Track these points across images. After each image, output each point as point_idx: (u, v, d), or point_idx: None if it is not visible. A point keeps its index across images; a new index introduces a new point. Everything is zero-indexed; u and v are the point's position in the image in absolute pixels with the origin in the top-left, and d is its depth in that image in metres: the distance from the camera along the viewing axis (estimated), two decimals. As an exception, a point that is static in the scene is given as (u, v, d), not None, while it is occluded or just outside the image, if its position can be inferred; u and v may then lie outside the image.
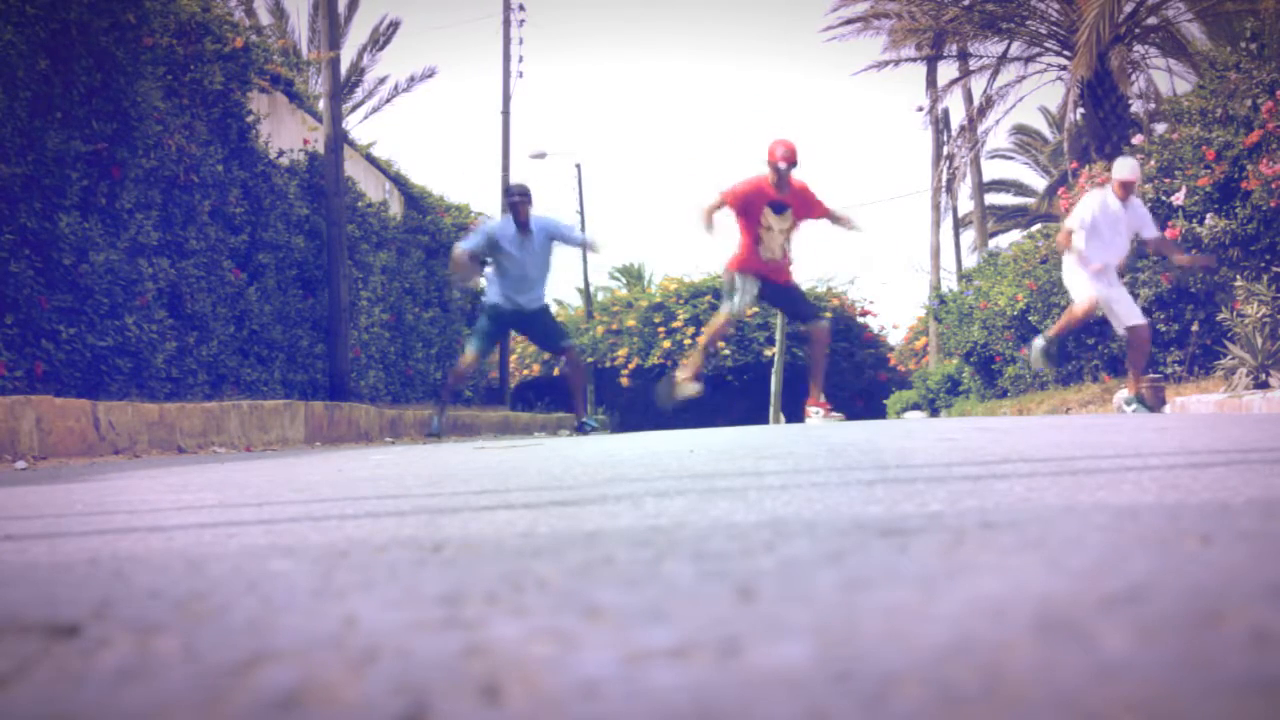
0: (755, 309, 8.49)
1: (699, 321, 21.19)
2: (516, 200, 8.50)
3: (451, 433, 11.75)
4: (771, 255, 7.93)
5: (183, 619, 0.89)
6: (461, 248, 8.75)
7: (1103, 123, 16.18)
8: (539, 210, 8.67)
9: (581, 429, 9.09)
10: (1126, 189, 8.36)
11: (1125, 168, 8.50)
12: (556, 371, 22.51)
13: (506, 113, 22.07)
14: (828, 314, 21.14)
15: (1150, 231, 8.53)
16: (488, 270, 8.88)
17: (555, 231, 8.75)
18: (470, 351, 8.88)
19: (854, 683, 0.61)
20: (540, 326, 8.97)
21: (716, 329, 8.26)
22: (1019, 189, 36.23)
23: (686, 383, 8.14)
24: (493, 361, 18.19)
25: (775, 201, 7.81)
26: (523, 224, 8.47)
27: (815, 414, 8.01)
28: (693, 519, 1.45)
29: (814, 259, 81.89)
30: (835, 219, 8.14)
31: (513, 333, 11.24)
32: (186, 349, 8.01)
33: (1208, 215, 10.33)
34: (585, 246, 8.66)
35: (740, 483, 2.03)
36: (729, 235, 8.13)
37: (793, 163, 7.73)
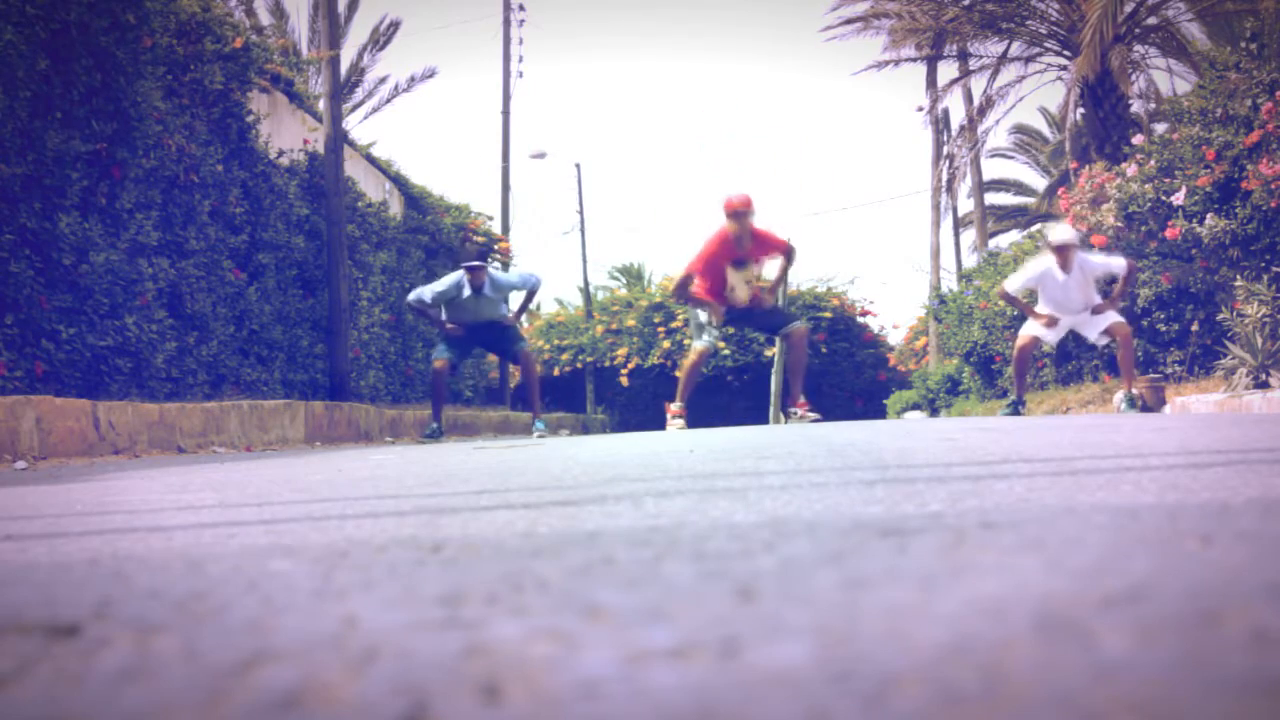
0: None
1: (699, 321, 21.15)
2: (474, 268, 9.20)
3: (452, 433, 11.75)
4: (738, 300, 8.28)
5: (183, 619, 0.89)
6: (410, 301, 9.41)
7: (1103, 123, 16.18)
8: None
9: (535, 427, 9.57)
10: (1063, 255, 8.60)
11: (1056, 233, 8.78)
12: (557, 372, 22.51)
13: (506, 113, 22.09)
14: (827, 314, 21.13)
15: (1117, 270, 8.73)
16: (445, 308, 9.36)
17: (507, 287, 9.46)
18: (439, 358, 9.23)
19: (854, 683, 0.61)
20: (495, 334, 9.44)
21: (691, 366, 8.68)
22: (1019, 189, 36.23)
23: (676, 418, 8.52)
24: (491, 361, 18.18)
25: (737, 259, 8.14)
26: (478, 288, 9.17)
27: (794, 414, 8.41)
28: (693, 519, 1.45)
29: (814, 259, 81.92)
30: (783, 270, 8.43)
31: None
32: (186, 349, 8.02)
33: (1208, 215, 10.34)
34: (530, 291, 9.68)
35: (740, 483, 2.03)
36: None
37: (749, 210, 8.01)
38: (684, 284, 8.34)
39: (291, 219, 10.16)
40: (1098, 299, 8.75)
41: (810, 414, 8.37)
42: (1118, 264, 8.78)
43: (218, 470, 3.85)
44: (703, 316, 8.49)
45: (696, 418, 8.66)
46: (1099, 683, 0.59)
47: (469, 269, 9.17)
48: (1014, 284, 8.98)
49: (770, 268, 8.46)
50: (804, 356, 8.56)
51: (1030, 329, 8.94)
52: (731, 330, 8.72)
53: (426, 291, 9.29)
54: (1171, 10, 17.35)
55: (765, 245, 8.30)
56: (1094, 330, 8.76)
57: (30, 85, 6.23)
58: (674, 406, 8.59)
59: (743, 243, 8.11)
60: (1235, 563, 0.95)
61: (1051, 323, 8.72)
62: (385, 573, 1.09)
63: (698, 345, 8.62)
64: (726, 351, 19.90)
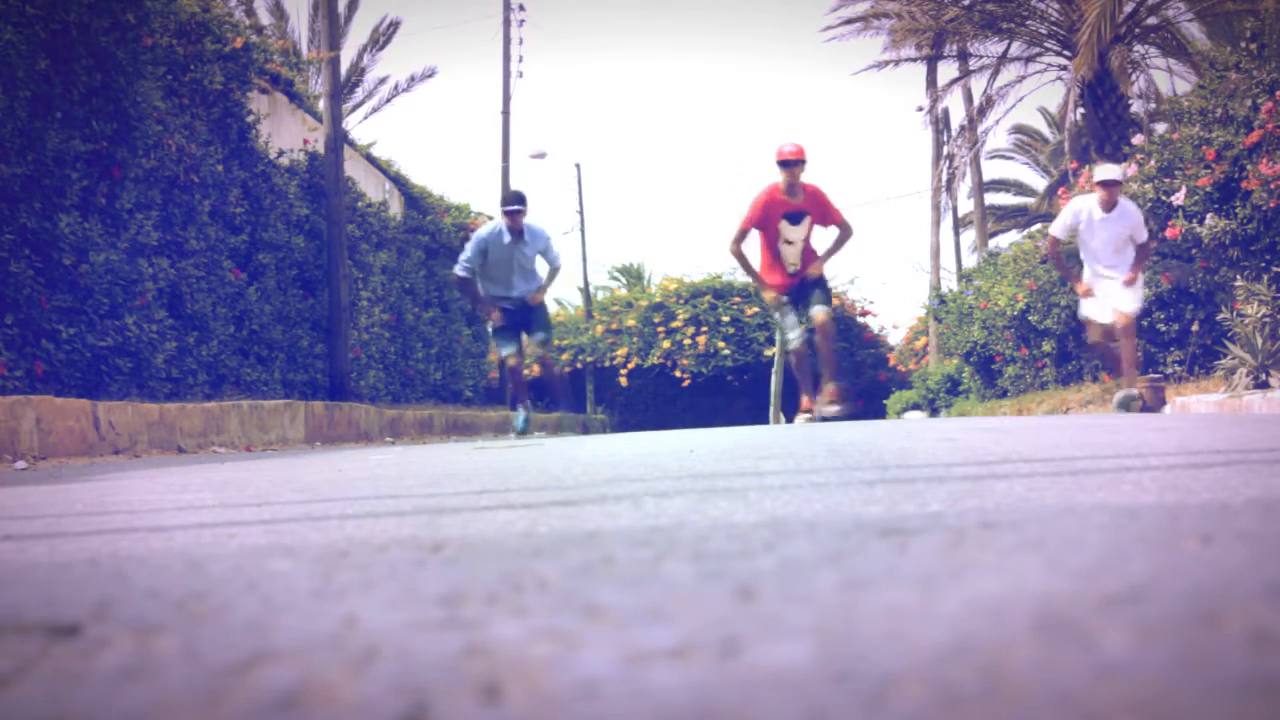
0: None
1: (699, 321, 21.17)
2: (513, 211, 9.10)
3: (452, 433, 11.76)
4: (794, 266, 8.09)
5: (183, 619, 0.89)
6: (459, 273, 9.37)
7: (1103, 123, 16.19)
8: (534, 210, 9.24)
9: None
10: (1108, 190, 8.41)
11: (1103, 170, 8.61)
12: (556, 371, 22.51)
13: (506, 113, 22.09)
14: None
15: (1140, 235, 8.56)
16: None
17: (542, 242, 9.38)
18: (502, 350, 9.38)
19: (854, 683, 0.61)
20: (533, 314, 9.47)
21: (796, 367, 8.40)
22: (1019, 189, 36.25)
23: (805, 412, 8.22)
24: (492, 361, 18.19)
25: (790, 212, 7.96)
26: (516, 233, 9.10)
27: (819, 403, 8.09)
28: (693, 519, 1.45)
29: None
30: (837, 243, 8.29)
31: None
32: (186, 349, 8.01)
33: (1208, 215, 10.33)
34: (553, 269, 9.61)
35: (740, 483, 2.03)
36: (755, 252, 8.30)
37: (800, 160, 7.86)
38: (739, 238, 8.12)
39: (291, 219, 10.16)
40: (1129, 261, 8.44)
41: (830, 406, 7.90)
42: (1144, 232, 8.54)
43: (218, 470, 3.85)
44: (777, 319, 8.38)
45: (696, 418, 8.58)
46: (1099, 683, 0.59)
47: (509, 213, 9.00)
48: (1058, 226, 8.77)
49: (824, 242, 8.27)
50: (832, 342, 8.17)
51: (1087, 311, 8.61)
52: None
53: (468, 247, 9.18)
54: (1171, 10, 17.36)
55: (820, 203, 8.04)
56: (1123, 306, 8.40)
57: (30, 85, 6.23)
58: (805, 400, 8.26)
59: (795, 193, 7.93)
60: (1235, 563, 0.95)
61: (1088, 293, 8.46)
62: (385, 573, 1.09)
63: (792, 345, 8.24)
64: (726, 351, 19.90)
